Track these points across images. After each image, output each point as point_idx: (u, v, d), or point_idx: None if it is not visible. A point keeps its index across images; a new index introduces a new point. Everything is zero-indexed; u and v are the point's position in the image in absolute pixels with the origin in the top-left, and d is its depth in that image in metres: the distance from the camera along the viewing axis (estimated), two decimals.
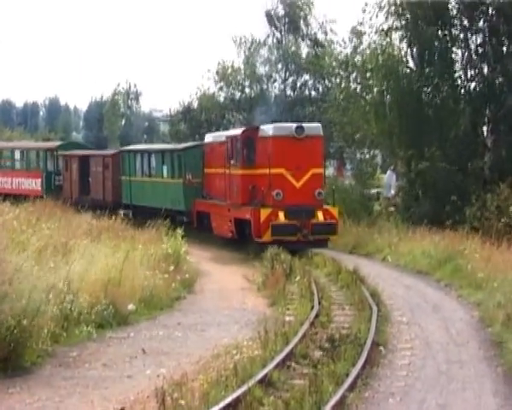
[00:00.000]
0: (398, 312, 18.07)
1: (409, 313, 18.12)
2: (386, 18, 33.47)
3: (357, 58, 36.81)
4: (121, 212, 35.27)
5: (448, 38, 32.90)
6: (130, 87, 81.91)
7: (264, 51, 47.93)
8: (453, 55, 33.27)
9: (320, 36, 47.15)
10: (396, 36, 33.89)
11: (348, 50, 38.16)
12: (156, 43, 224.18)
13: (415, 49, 33.42)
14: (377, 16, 33.88)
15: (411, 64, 34.06)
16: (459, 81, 33.43)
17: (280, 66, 47.65)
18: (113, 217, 28.47)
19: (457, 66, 33.49)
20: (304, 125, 27.19)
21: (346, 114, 37.52)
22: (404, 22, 33.17)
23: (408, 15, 32.89)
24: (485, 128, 33.70)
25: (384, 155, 40.54)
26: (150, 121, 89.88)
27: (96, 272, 17.19)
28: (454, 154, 31.85)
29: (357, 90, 37.58)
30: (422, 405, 11.50)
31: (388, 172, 36.27)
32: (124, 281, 17.48)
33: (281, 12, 47.77)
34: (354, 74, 37.45)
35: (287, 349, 13.28)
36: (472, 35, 33.05)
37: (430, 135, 32.09)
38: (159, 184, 34.78)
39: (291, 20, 47.52)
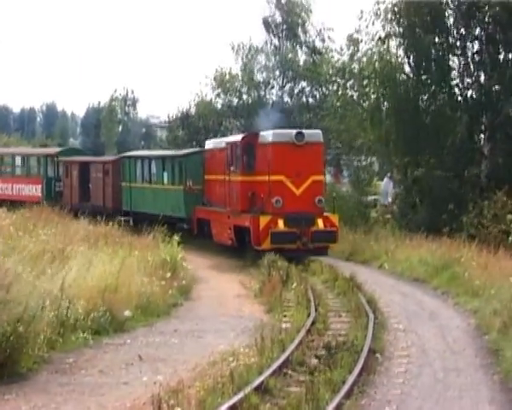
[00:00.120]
0: (394, 319, 18.07)
1: (405, 320, 18.12)
2: (384, 25, 33.56)
3: (354, 65, 36.88)
4: (121, 218, 35.18)
5: (445, 45, 32.97)
6: (127, 93, 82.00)
7: (261, 58, 48.01)
8: (450, 63, 33.34)
9: (318, 43, 47.26)
10: (393, 43, 34.00)
11: (345, 57, 38.22)
12: (153, 49, 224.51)
13: (411, 57, 33.48)
14: (373, 23, 34.03)
15: (408, 71, 34.10)
16: (456, 89, 33.51)
17: (277, 72, 47.72)
18: (110, 223, 28.43)
19: (454, 73, 33.56)
20: (304, 131, 27.00)
21: (343, 122, 37.58)
22: (401, 29, 33.22)
23: (405, 23, 32.94)
24: (481, 136, 33.76)
25: (381, 163, 40.58)
26: (147, 128, 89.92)
27: (93, 279, 17.17)
28: (451, 161, 31.90)
29: (354, 97, 37.66)
30: None
31: (385, 179, 36.33)
32: (120, 287, 17.45)
33: (278, 19, 47.85)
34: (351, 81, 37.53)
35: (283, 356, 13.26)
36: (469, 43, 33.13)
37: (427, 142, 32.15)
38: (159, 191, 34.63)
39: (288, 27, 47.60)
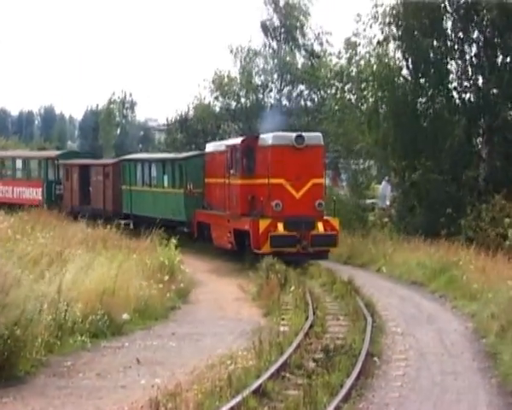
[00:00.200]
0: (392, 322, 18.07)
1: (403, 323, 18.12)
2: (382, 29, 33.58)
3: (352, 68, 36.91)
4: (121, 222, 35.09)
5: (443, 48, 32.98)
6: (125, 96, 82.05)
7: (259, 61, 48.03)
8: (448, 66, 33.34)
9: (316, 47, 47.30)
10: (391, 46, 34.03)
11: (343, 61, 38.24)
12: (152, 52, 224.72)
13: (410, 60, 33.49)
14: (371, 27, 34.09)
15: (406, 74, 34.12)
16: (454, 92, 33.51)
17: (276, 76, 47.74)
18: (108, 226, 28.40)
19: (452, 77, 33.57)
20: (304, 134, 26.65)
21: (341, 125, 37.58)
22: (399, 33, 33.24)
23: (403, 26, 32.96)
24: (479, 139, 33.78)
25: (379, 166, 40.58)
26: (145, 130, 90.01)
27: (91, 282, 17.16)
28: (449, 164, 31.89)
29: (353, 100, 37.68)
30: None
31: (383, 182, 36.31)
32: (118, 291, 17.44)
33: (276, 22, 47.89)
34: (349, 85, 37.56)
35: (281, 360, 13.25)
36: (467, 46, 33.15)
37: (425, 146, 32.15)
38: (159, 194, 34.48)
39: (287, 31, 47.64)
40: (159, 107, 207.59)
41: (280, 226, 25.46)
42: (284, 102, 47.63)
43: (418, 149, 32.20)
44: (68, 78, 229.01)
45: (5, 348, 12.77)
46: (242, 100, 47.58)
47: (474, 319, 18.19)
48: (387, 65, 33.92)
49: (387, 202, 35.05)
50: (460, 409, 11.87)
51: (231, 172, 27.93)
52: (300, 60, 47.86)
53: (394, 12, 33.21)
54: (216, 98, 47.87)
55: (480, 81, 33.02)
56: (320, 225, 25.85)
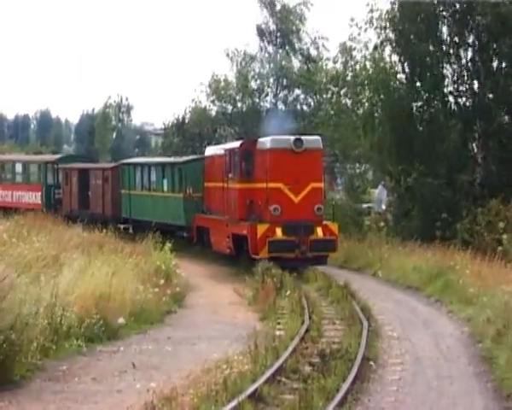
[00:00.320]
0: (388, 327, 18.08)
1: (399, 328, 18.13)
2: (378, 33, 33.66)
3: (348, 73, 36.95)
4: (121, 226, 34.93)
5: (439, 53, 33.03)
6: (121, 100, 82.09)
7: (256, 65, 48.03)
8: (444, 71, 33.40)
9: (312, 51, 47.31)
10: (387, 50, 34.11)
11: (338, 65, 38.28)
12: (148, 56, 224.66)
13: (405, 64, 33.55)
14: (366, 31, 34.18)
15: (402, 78, 34.16)
16: (450, 96, 33.57)
17: (272, 80, 47.76)
18: (104, 230, 28.37)
19: (448, 81, 33.63)
20: (303, 137, 26.29)
21: (337, 130, 37.60)
22: (395, 37, 33.29)
23: (399, 30, 33.01)
24: (475, 144, 33.83)
25: (375, 170, 40.63)
26: (141, 134, 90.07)
27: (87, 286, 17.14)
28: (444, 169, 31.93)
29: (348, 105, 37.72)
30: None
31: (379, 186, 36.37)
32: (114, 295, 17.42)
33: (272, 26, 47.90)
34: (345, 89, 37.60)
35: (277, 364, 13.25)
36: (462, 51, 33.21)
37: (420, 150, 32.18)
38: (159, 199, 34.24)
39: (283, 35, 47.66)
40: (155, 111, 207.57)
41: (278, 231, 25.14)
42: (280, 106, 47.62)
43: (414, 153, 32.24)
44: (64, 81, 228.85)
45: (0, 353, 12.73)
46: (239, 104, 47.56)
47: (470, 323, 18.20)
48: (383, 69, 33.98)
49: (383, 207, 35.06)
50: None
51: (230, 176, 27.66)
52: (296, 64, 47.88)
53: (390, 16, 33.29)
54: (212, 102, 47.87)
55: (476, 86, 33.10)
56: (319, 230, 25.50)
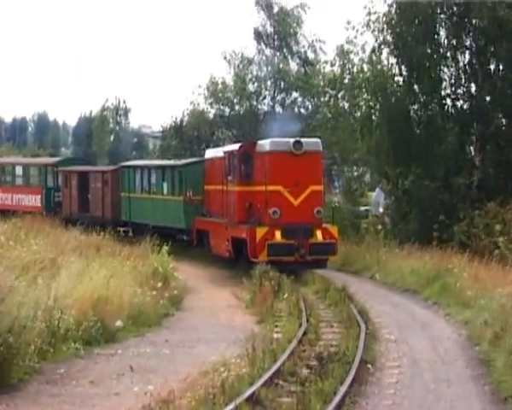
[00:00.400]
0: (386, 330, 18.09)
1: (397, 331, 18.14)
2: (376, 36, 33.70)
3: (345, 75, 37.00)
4: (120, 229, 34.77)
5: (436, 55, 33.06)
6: (119, 103, 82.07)
7: (253, 68, 48.02)
8: (441, 74, 33.43)
9: (309, 54, 47.31)
10: (384, 53, 34.14)
11: (336, 68, 38.33)
12: (145, 59, 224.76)
13: (403, 67, 33.58)
14: (362, 34, 34.26)
15: (399, 80, 34.19)
16: (447, 99, 33.60)
17: (269, 83, 47.75)
18: (102, 233, 28.36)
19: (445, 84, 33.66)
20: (302, 140, 26.00)
21: (334, 133, 37.62)
22: (392, 39, 33.32)
23: (397, 33, 33.04)
24: (472, 147, 33.85)
25: (372, 173, 40.66)
26: (139, 137, 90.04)
27: (84, 289, 17.13)
28: (442, 172, 31.94)
29: (346, 107, 37.76)
30: None
31: (377, 189, 36.39)
32: (111, 298, 17.42)
33: (270, 29, 47.90)
34: (342, 92, 37.64)
35: (274, 367, 13.25)
36: (460, 54, 33.25)
37: (417, 152, 32.20)
38: (159, 201, 34.09)
39: (280, 38, 47.66)
40: (152, 113, 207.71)
41: (277, 234, 24.92)
42: (277, 109, 47.61)
43: (411, 155, 32.26)
44: (62, 84, 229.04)
45: None
46: (236, 107, 47.54)
47: (468, 326, 18.21)
48: (381, 72, 34.01)
49: (381, 209, 35.08)
50: None
51: (229, 178, 27.46)
52: (294, 67, 47.87)
53: (387, 19, 33.33)
54: (210, 104, 47.84)
55: (473, 88, 33.13)
56: (319, 233, 25.26)
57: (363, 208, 38.38)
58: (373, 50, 34.15)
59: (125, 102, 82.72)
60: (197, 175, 31.34)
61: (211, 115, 48.04)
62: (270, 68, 47.32)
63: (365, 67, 35.60)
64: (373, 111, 34.81)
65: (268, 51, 48.14)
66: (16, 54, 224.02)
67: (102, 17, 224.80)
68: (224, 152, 28.48)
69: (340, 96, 38.08)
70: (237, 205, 26.71)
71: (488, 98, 32.67)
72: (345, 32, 35.27)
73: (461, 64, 33.24)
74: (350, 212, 36.43)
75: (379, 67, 34.26)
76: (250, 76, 47.85)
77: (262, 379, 12.42)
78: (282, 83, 47.26)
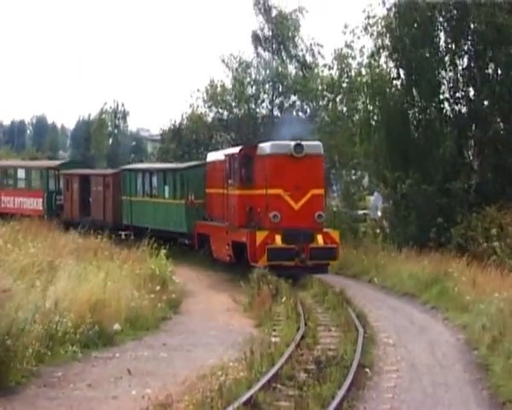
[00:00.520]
0: (384, 334, 18.08)
1: (395, 335, 18.13)
2: (375, 40, 33.72)
3: (344, 79, 37.00)
4: (122, 233, 34.66)
5: (435, 59, 33.08)
6: (117, 106, 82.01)
7: (251, 71, 48.02)
8: (440, 78, 33.45)
9: (308, 58, 47.31)
10: (383, 57, 34.15)
11: (333, 71, 38.33)
12: (143, 62, 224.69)
13: (402, 71, 33.60)
14: (359, 38, 34.27)
15: (398, 84, 34.20)
16: (445, 103, 33.61)
17: (267, 86, 47.74)
18: (100, 236, 28.31)
19: (444, 88, 33.68)
20: (303, 143, 25.55)
21: (333, 137, 37.62)
22: (391, 43, 33.34)
23: (395, 37, 33.06)
24: (470, 151, 33.88)
25: (370, 177, 40.67)
26: (137, 141, 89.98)
27: (82, 292, 17.11)
28: (440, 176, 31.96)
29: (344, 110, 37.76)
30: None
31: (375, 193, 36.40)
32: (109, 301, 17.40)
33: (268, 33, 47.88)
34: (341, 96, 37.65)
35: (272, 371, 13.24)
36: (458, 58, 33.27)
37: (416, 156, 32.21)
38: (160, 205, 33.91)
39: (278, 41, 47.66)
40: (151, 117, 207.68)
41: (278, 239, 24.62)
42: (276, 112, 47.58)
43: (409, 159, 32.28)
44: (60, 87, 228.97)
45: None
46: (235, 110, 47.51)
47: (466, 330, 18.22)
48: (379, 75, 34.02)
49: (379, 213, 35.09)
50: None
51: (229, 182, 27.22)
52: (292, 71, 47.86)
53: (386, 22, 33.35)
54: (209, 107, 47.80)
55: (472, 93, 33.16)
56: (319, 238, 24.93)
57: (361, 212, 38.39)
58: (372, 55, 34.16)
59: (123, 105, 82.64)
60: (199, 178, 31.06)
61: (209, 119, 48.03)
62: (268, 72, 47.32)
63: (363, 70, 35.62)
64: (371, 115, 34.82)
65: (266, 55, 48.15)
66: (15, 57, 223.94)
67: (101, 20, 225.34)
68: (225, 155, 28.23)
69: (338, 99, 38.05)
70: (237, 209, 26.48)
71: (486, 102, 32.73)
72: (343, 36, 35.34)
73: (459, 68, 33.27)
74: (348, 216, 36.43)
75: (377, 70, 34.27)
76: (248, 79, 47.85)
77: (260, 383, 12.40)
78: (281, 86, 47.25)
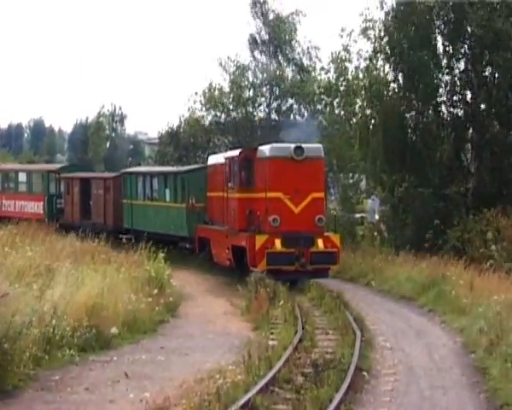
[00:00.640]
0: (381, 337, 18.08)
1: (392, 338, 18.13)
2: (373, 44, 33.74)
3: (341, 82, 37.04)
4: (122, 237, 34.55)
5: (432, 63, 33.11)
6: (115, 109, 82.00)
7: (249, 74, 48.03)
8: (437, 81, 33.49)
9: (305, 61, 47.31)
10: (380, 60, 34.17)
11: (330, 74, 38.35)
12: (141, 66, 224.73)
13: (399, 74, 33.63)
14: (356, 42, 34.33)
15: (395, 87, 34.23)
16: (443, 106, 33.65)
17: (265, 89, 47.75)
18: (97, 240, 28.28)
19: (441, 91, 33.71)
20: (303, 145, 25.13)
21: (331, 141, 37.63)
22: (388, 47, 33.38)
23: (393, 40, 33.10)
24: (468, 154, 33.92)
25: (368, 180, 40.68)
26: (135, 144, 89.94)
27: (79, 295, 17.10)
28: (437, 179, 31.99)
29: (342, 114, 37.79)
30: None
31: (373, 196, 36.39)
32: (107, 304, 17.39)
33: (264, 36, 47.88)
34: (338, 99, 37.68)
35: (270, 374, 13.23)
36: (456, 61, 33.32)
37: (413, 160, 32.24)
38: (161, 209, 33.74)
39: (275, 44, 47.66)
40: (148, 120, 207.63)
41: (277, 243, 24.31)
42: (273, 115, 47.58)
43: (406, 162, 32.30)
44: (58, 91, 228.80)
45: None
46: (233, 114, 47.50)
47: (463, 333, 18.22)
48: (377, 79, 34.05)
49: (376, 217, 35.11)
50: None
51: (229, 185, 26.96)
52: (289, 74, 47.86)
53: (384, 26, 33.39)
54: (207, 110, 47.78)
55: (469, 96, 33.21)
56: (320, 242, 24.61)
57: (358, 215, 38.39)
58: (370, 59, 34.19)
59: (120, 108, 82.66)
60: (200, 182, 30.80)
61: (207, 122, 48.01)
62: (265, 75, 47.33)
63: (361, 74, 35.66)
64: (369, 118, 34.85)
65: (263, 58, 48.16)
66: (12, 60, 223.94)
67: (99, 23, 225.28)
68: (225, 158, 28.00)
69: (335, 103, 38.07)
70: (237, 212, 26.19)
71: (483, 106, 32.76)
72: (340, 40, 35.39)
73: (456, 71, 33.33)
74: (346, 219, 36.43)
75: (375, 73, 34.30)
76: (246, 82, 47.85)
77: (257, 386, 12.40)
78: (278, 89, 47.26)
